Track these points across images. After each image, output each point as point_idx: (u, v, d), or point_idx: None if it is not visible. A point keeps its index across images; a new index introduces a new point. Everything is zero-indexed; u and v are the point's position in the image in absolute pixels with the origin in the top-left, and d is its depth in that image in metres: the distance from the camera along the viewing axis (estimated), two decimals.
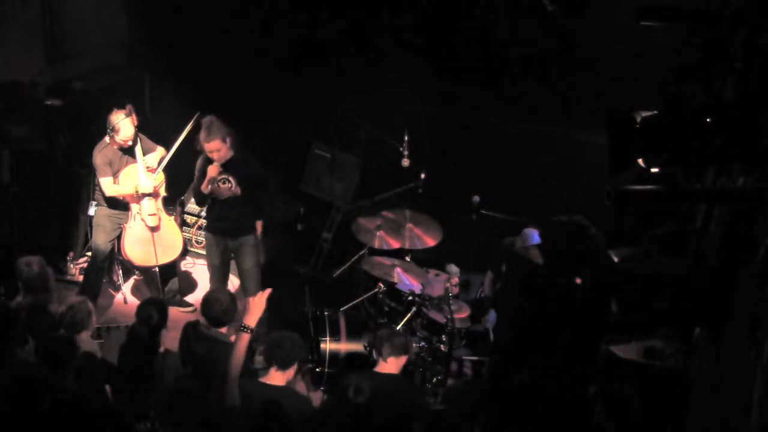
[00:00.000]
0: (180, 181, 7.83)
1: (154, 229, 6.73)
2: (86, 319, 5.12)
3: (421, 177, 6.93)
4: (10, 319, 4.82)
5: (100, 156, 6.53)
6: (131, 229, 6.71)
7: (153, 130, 7.05)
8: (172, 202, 7.65)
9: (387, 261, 6.66)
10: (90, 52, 8.00)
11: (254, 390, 4.63)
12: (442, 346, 6.21)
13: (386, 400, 4.68)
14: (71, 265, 7.53)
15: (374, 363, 5.23)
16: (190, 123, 6.68)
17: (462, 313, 6.32)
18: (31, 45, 7.58)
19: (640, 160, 3.24)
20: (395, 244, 6.67)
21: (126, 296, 7.37)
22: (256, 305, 4.63)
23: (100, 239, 6.77)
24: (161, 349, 5.03)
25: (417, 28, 7.64)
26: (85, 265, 7.20)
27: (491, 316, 6.54)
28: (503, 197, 7.15)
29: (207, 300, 5.13)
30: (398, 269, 6.55)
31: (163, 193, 6.80)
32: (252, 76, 8.22)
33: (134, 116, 6.51)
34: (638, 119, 3.21)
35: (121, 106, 6.48)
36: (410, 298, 6.35)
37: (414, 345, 6.21)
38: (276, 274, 6.84)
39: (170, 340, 5.32)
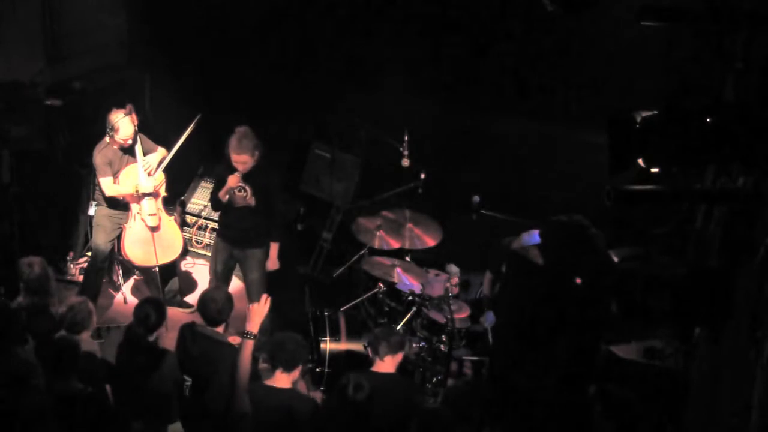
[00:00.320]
0: (180, 181, 7.83)
1: (154, 229, 6.73)
2: (87, 319, 5.12)
3: (421, 177, 6.93)
4: (9, 319, 4.82)
5: (100, 156, 6.53)
6: (131, 229, 6.71)
7: (153, 130, 7.04)
8: (172, 202, 7.65)
9: (387, 261, 6.66)
10: (90, 52, 8.00)
11: (260, 393, 4.63)
12: (442, 346, 6.21)
13: (385, 399, 4.68)
14: (71, 265, 7.53)
15: (371, 362, 5.24)
16: (192, 125, 6.69)
17: (462, 313, 6.32)
18: (31, 45, 7.58)
19: (640, 160, 3.24)
20: (395, 244, 6.67)
21: (126, 296, 7.37)
22: (257, 312, 4.65)
23: (100, 239, 6.77)
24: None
25: (417, 28, 7.64)
26: (85, 265, 7.20)
27: (489, 316, 6.54)
28: (503, 197, 7.15)
29: (203, 299, 5.13)
30: (398, 269, 6.55)
31: (163, 193, 6.80)
32: (252, 76, 8.22)
33: (134, 116, 6.51)
34: (638, 119, 3.21)
35: (121, 106, 6.47)
36: (410, 298, 6.36)
37: (414, 345, 6.22)
38: (276, 274, 6.83)
39: (170, 340, 5.32)
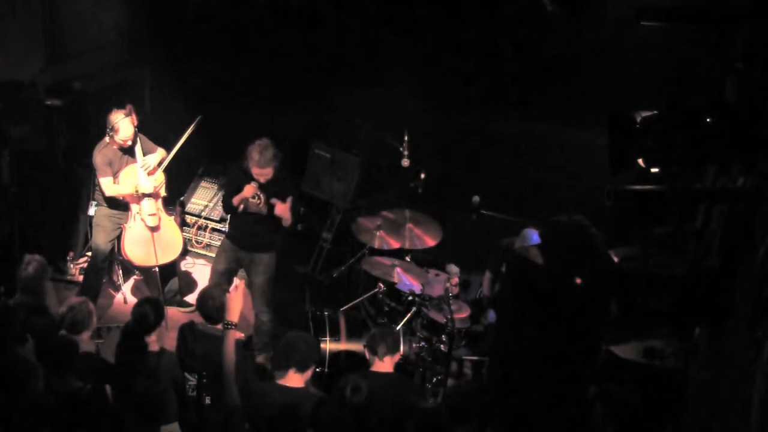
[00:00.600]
0: (180, 181, 7.84)
1: (154, 229, 6.73)
2: (87, 319, 5.12)
3: (421, 177, 6.93)
4: (9, 319, 4.82)
5: (100, 156, 6.53)
6: (131, 229, 6.71)
7: (153, 130, 7.04)
8: (172, 202, 7.65)
9: (387, 261, 6.65)
10: (90, 52, 8.00)
11: (273, 392, 4.63)
12: (442, 346, 6.21)
13: (385, 399, 4.68)
14: (71, 265, 7.53)
15: (369, 363, 5.23)
16: (192, 126, 6.69)
17: (462, 313, 6.32)
18: (31, 45, 7.58)
19: (640, 160, 3.24)
20: (395, 244, 6.67)
21: (126, 296, 7.37)
22: (233, 300, 4.70)
23: (100, 239, 6.77)
24: (156, 348, 5.02)
25: (417, 28, 7.64)
26: (85, 265, 7.20)
27: (490, 315, 6.55)
28: (503, 197, 7.16)
29: (202, 296, 5.15)
30: (398, 269, 6.54)
31: (163, 193, 6.80)
32: (252, 76, 8.22)
33: (134, 116, 6.51)
34: (638, 119, 3.21)
35: (121, 106, 6.47)
36: (410, 298, 6.35)
37: (414, 345, 6.22)
38: (276, 274, 6.83)
39: (170, 339, 5.32)
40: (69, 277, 7.43)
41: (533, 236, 5.87)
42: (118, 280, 7.41)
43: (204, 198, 8.04)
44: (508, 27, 7.33)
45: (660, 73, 5.90)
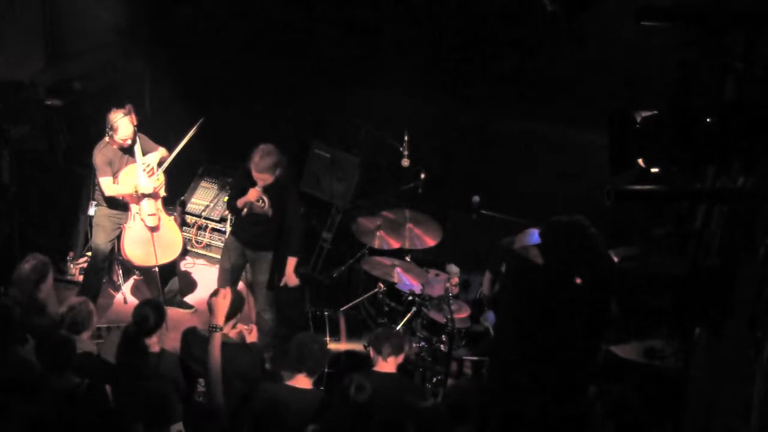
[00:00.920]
0: (180, 181, 7.83)
1: (153, 229, 6.73)
2: (87, 319, 5.12)
3: (421, 177, 6.93)
4: (8, 318, 4.82)
5: (100, 156, 6.53)
6: (131, 229, 6.71)
7: (153, 130, 7.04)
8: (172, 202, 7.65)
9: (387, 261, 6.65)
10: (90, 52, 8.00)
11: (282, 393, 4.64)
12: (442, 346, 6.21)
13: (387, 400, 4.68)
14: (71, 265, 7.53)
15: (372, 363, 5.23)
16: (194, 128, 6.70)
17: (462, 313, 6.32)
18: (31, 45, 7.58)
19: (640, 160, 3.24)
20: (395, 244, 6.67)
21: (126, 296, 7.37)
22: (218, 305, 4.84)
23: (100, 239, 6.77)
24: (156, 349, 5.02)
25: (417, 28, 7.64)
26: (85, 265, 7.20)
27: (490, 315, 6.54)
28: (503, 197, 7.15)
29: (211, 299, 5.15)
30: (398, 269, 6.55)
31: (162, 193, 6.80)
32: (252, 76, 8.22)
33: (133, 116, 6.51)
34: (638, 119, 3.21)
35: (121, 106, 6.48)
36: (410, 298, 6.35)
37: (414, 345, 6.22)
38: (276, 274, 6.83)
39: (171, 340, 5.32)
40: (69, 277, 7.44)
41: (533, 235, 5.86)
42: (118, 280, 7.41)
43: (204, 198, 8.05)
44: (508, 27, 7.32)
45: (660, 73, 5.90)
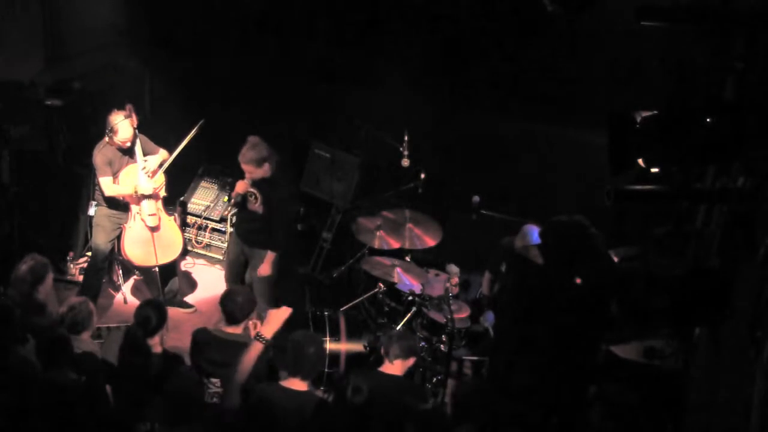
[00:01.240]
0: (180, 181, 7.83)
1: (153, 229, 6.73)
2: (87, 319, 5.12)
3: (421, 177, 6.93)
4: (8, 318, 4.83)
5: (100, 156, 6.53)
6: (131, 229, 6.71)
7: (153, 130, 7.05)
8: (172, 202, 7.66)
9: (387, 261, 6.65)
10: (90, 52, 8.00)
11: (275, 395, 4.62)
12: (442, 346, 6.21)
13: (385, 401, 4.68)
14: (71, 265, 7.53)
15: (379, 362, 5.23)
16: (194, 129, 6.71)
17: (462, 313, 6.32)
18: (31, 45, 7.58)
19: (640, 160, 3.24)
20: (395, 244, 6.67)
21: (126, 296, 7.37)
22: (275, 317, 4.75)
23: (100, 239, 6.77)
24: (159, 350, 5.02)
25: (417, 28, 7.64)
26: (85, 265, 7.20)
27: (489, 315, 6.54)
28: (503, 197, 7.15)
29: (225, 295, 5.22)
30: (398, 269, 6.54)
31: (163, 193, 6.80)
32: (252, 76, 8.22)
33: (134, 117, 6.51)
34: (638, 119, 3.21)
35: (121, 107, 6.48)
36: (410, 298, 6.35)
37: None
38: (276, 274, 6.82)
39: (171, 340, 5.33)
40: (69, 277, 7.43)
41: (533, 233, 5.85)
42: (118, 280, 7.40)
43: (204, 198, 8.05)
44: (508, 27, 7.32)
45: (660, 73, 5.90)
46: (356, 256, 7.03)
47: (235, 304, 5.10)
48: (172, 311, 6.79)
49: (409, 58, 7.57)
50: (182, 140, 6.73)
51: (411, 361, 5.14)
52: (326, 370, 6.09)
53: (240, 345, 4.93)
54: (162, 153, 6.77)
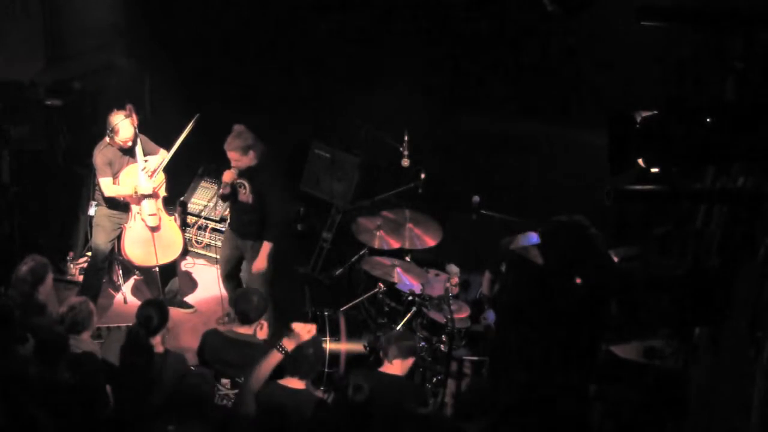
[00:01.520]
0: (180, 181, 7.83)
1: (154, 229, 6.73)
2: (87, 319, 5.13)
3: (421, 177, 6.93)
4: (8, 318, 4.83)
5: (100, 156, 6.54)
6: (131, 229, 6.71)
7: (153, 130, 7.05)
8: (172, 202, 7.65)
9: (387, 261, 6.65)
10: (90, 52, 8.00)
11: (274, 393, 4.63)
12: (442, 346, 6.21)
13: (385, 401, 4.68)
14: (71, 265, 7.53)
15: (379, 362, 5.23)
16: (190, 124, 6.70)
17: (462, 313, 6.32)
18: (31, 45, 7.58)
19: (640, 160, 3.23)
20: (395, 244, 6.67)
21: (126, 296, 7.37)
22: (302, 331, 4.66)
23: (100, 239, 6.77)
24: (160, 349, 5.02)
25: (417, 28, 7.64)
26: (85, 265, 7.20)
27: (490, 315, 6.54)
28: (503, 197, 7.15)
29: (240, 295, 5.27)
30: (398, 269, 6.54)
31: (163, 193, 6.80)
32: (252, 76, 8.22)
33: (134, 117, 6.51)
34: (638, 119, 3.21)
35: (121, 107, 6.48)
36: (410, 298, 6.35)
37: None
38: (276, 274, 6.83)
39: (171, 340, 5.32)
40: (69, 277, 7.43)
41: (533, 237, 5.86)
42: (118, 280, 7.40)
43: (204, 198, 8.05)
44: (508, 27, 7.32)
45: (660, 73, 5.90)
46: (356, 256, 7.03)
47: (249, 304, 5.12)
48: (172, 311, 6.76)
49: (410, 59, 7.57)
50: (179, 136, 6.72)
51: (410, 361, 5.15)
52: (326, 370, 6.09)
53: (252, 345, 4.94)
54: (162, 153, 6.77)
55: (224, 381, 5.03)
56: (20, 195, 7.04)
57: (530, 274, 5.04)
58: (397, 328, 6.14)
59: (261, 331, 5.18)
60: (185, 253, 7.75)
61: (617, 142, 3.25)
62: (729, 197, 3.75)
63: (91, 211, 7.19)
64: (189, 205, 7.97)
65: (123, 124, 6.41)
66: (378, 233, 6.66)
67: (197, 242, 7.97)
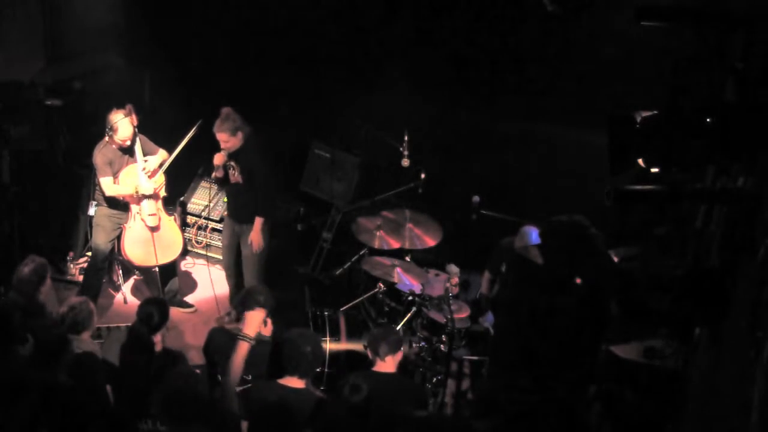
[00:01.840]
0: (180, 181, 7.83)
1: (154, 229, 6.74)
2: (87, 319, 5.13)
3: (421, 177, 6.94)
4: (8, 318, 4.83)
5: (100, 156, 6.54)
6: (131, 229, 6.71)
7: (153, 130, 7.05)
8: (172, 202, 7.66)
9: (387, 261, 6.66)
10: (90, 52, 8.00)
11: (274, 392, 4.63)
12: (442, 346, 6.21)
13: (386, 399, 4.68)
14: (71, 265, 7.53)
15: (372, 363, 5.23)
16: (193, 129, 6.72)
17: (462, 313, 6.32)
18: (31, 45, 7.59)
19: (640, 160, 3.23)
20: (395, 244, 6.67)
21: (126, 296, 7.37)
22: (252, 317, 4.80)
23: (100, 239, 6.77)
24: (159, 348, 5.02)
25: (417, 28, 7.64)
26: (85, 265, 7.21)
27: (489, 316, 6.54)
28: (503, 197, 7.15)
29: (247, 291, 5.28)
30: (398, 269, 6.55)
31: (163, 193, 6.81)
32: (252, 76, 8.22)
33: (133, 116, 6.52)
34: (638, 119, 3.21)
35: (121, 106, 6.49)
36: (410, 298, 6.35)
37: (414, 345, 6.22)
38: (276, 274, 6.84)
39: (171, 339, 5.33)
40: (69, 277, 7.44)
41: (533, 234, 5.85)
42: (118, 280, 7.41)
43: (204, 198, 8.05)
44: (508, 27, 7.32)
45: (660, 73, 5.89)
46: (356, 256, 7.03)
47: (257, 301, 5.12)
48: (172, 311, 6.79)
49: (410, 59, 7.57)
50: (181, 140, 6.74)
51: (400, 354, 5.18)
52: (326, 370, 6.09)
53: (259, 342, 4.95)
54: (162, 153, 6.78)
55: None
56: (20, 195, 7.05)
57: (530, 274, 5.04)
58: (397, 328, 6.14)
59: (265, 328, 5.18)
60: (185, 253, 7.76)
61: (617, 142, 3.25)
62: (729, 197, 3.74)
63: (91, 211, 7.20)
64: (189, 205, 7.97)
65: (122, 123, 6.42)
66: (378, 233, 6.66)
67: (197, 242, 7.97)
